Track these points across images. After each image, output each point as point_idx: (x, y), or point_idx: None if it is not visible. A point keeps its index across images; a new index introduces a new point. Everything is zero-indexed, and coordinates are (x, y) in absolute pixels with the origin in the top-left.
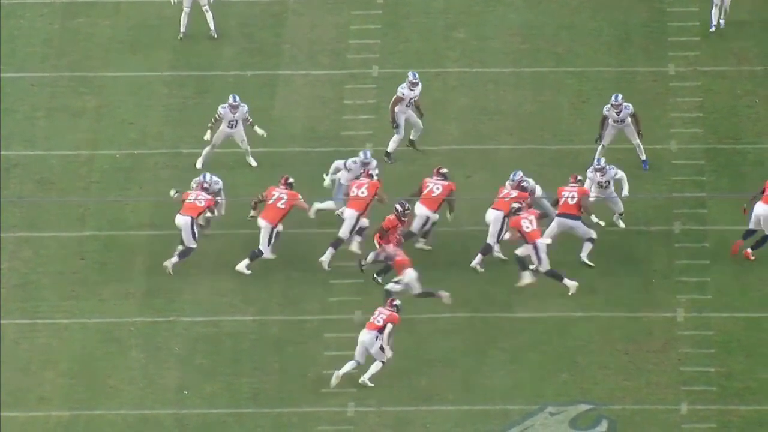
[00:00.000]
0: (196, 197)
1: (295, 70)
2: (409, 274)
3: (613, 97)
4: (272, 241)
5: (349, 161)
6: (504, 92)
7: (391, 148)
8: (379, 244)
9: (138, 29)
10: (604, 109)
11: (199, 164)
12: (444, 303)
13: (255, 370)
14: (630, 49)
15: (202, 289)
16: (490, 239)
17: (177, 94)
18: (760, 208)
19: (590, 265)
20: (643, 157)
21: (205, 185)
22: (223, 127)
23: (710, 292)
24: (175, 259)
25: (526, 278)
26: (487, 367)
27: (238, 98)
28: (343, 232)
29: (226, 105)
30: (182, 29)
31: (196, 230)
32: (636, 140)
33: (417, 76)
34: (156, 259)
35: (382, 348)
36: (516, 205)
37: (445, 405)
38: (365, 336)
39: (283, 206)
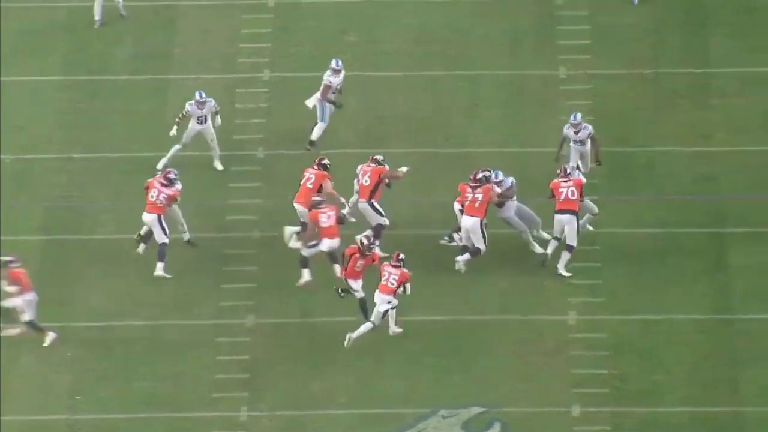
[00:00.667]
0: (158, 196)
1: (186, 74)
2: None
3: (571, 116)
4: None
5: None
6: (397, 96)
7: (315, 136)
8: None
9: (29, 34)
10: (564, 128)
11: (160, 165)
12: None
13: (148, 374)
14: (521, 52)
15: (95, 294)
16: (479, 245)
17: (68, 99)
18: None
19: (568, 275)
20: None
21: (201, 101)
22: (192, 124)
23: (602, 294)
24: (160, 265)
25: (305, 276)
26: (381, 371)
27: (204, 94)
28: (382, 219)
29: (193, 102)
30: (97, 17)
31: (165, 225)
32: (590, 165)
33: (340, 63)
34: (47, 264)
35: (394, 308)
36: (317, 199)
37: (338, 409)
38: (383, 299)
39: (311, 186)
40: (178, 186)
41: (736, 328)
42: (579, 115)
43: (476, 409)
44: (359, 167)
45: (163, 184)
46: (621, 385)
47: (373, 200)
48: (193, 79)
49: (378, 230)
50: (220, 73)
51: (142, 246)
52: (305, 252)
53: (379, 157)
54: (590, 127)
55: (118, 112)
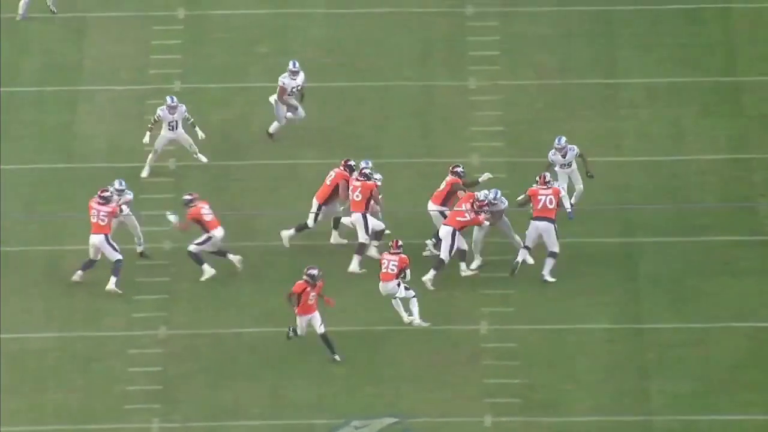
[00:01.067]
0: (98, 216)
1: (96, 85)
2: (217, 233)
3: (556, 140)
4: (318, 218)
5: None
6: (307, 106)
7: (272, 129)
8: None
9: None
10: (549, 154)
11: (144, 173)
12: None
13: (59, 386)
14: (431, 63)
15: (6, 306)
16: (443, 254)
17: None
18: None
19: (552, 281)
20: (569, 206)
21: (172, 105)
22: (164, 132)
23: (513, 304)
24: (113, 279)
25: (207, 272)
26: (293, 382)
27: (175, 99)
28: (362, 236)
29: (164, 107)
30: (21, 12)
31: (112, 243)
32: (580, 186)
33: (297, 64)
34: None
35: (406, 287)
36: (188, 197)
37: (250, 420)
38: (386, 287)
39: (329, 183)
40: (125, 196)
41: (645, 337)
42: (563, 139)
43: (388, 420)
44: (331, 173)
45: (99, 203)
46: (532, 394)
47: (367, 212)
48: (103, 90)
49: (378, 235)
50: (131, 84)
51: (78, 273)
52: (193, 248)
53: (367, 171)
54: (576, 148)
55: (26, 124)
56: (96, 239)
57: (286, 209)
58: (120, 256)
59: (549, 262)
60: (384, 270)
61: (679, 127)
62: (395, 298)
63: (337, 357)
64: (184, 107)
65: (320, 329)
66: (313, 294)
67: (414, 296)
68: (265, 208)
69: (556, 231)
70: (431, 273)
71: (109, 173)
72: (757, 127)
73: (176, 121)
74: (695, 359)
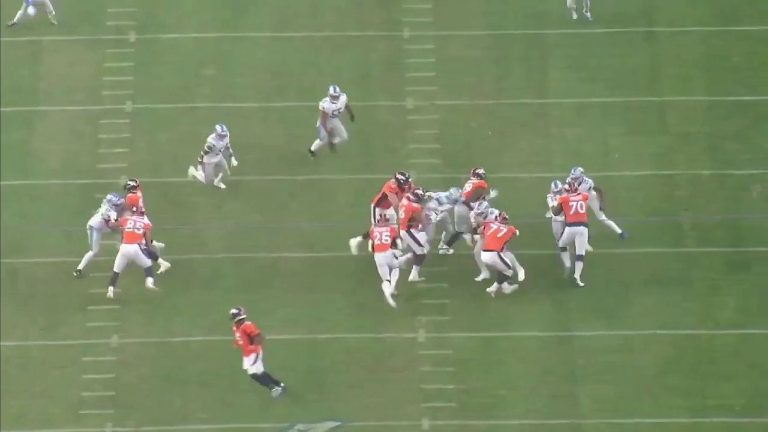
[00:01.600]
0: (134, 225)
1: (51, 105)
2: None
3: (572, 171)
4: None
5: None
6: (252, 126)
7: (314, 147)
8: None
9: None
10: (554, 186)
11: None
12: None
13: (18, 393)
14: (371, 84)
15: None
16: (508, 272)
17: None
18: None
19: (581, 285)
20: (619, 231)
21: (222, 134)
22: (212, 159)
23: (449, 313)
24: (150, 279)
25: (162, 265)
26: (239, 388)
27: (225, 127)
28: (418, 250)
29: (215, 135)
30: (15, 20)
31: (146, 249)
32: (601, 216)
33: (338, 89)
34: None
35: (402, 252)
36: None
37: (199, 424)
38: (381, 258)
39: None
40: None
41: (574, 344)
42: (579, 170)
43: (331, 423)
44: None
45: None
46: (467, 399)
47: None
48: (58, 111)
49: (418, 259)
50: (85, 105)
51: (111, 289)
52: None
53: (420, 193)
54: (591, 180)
55: None
56: (131, 249)
57: (232, 223)
58: (150, 262)
59: (579, 266)
60: (378, 242)
61: (606, 144)
62: (395, 268)
63: (276, 391)
64: (228, 136)
65: (249, 370)
66: (237, 334)
67: (416, 258)
68: (213, 222)
69: (588, 236)
70: (503, 285)
71: (64, 190)
72: (679, 144)
73: (226, 146)
74: (622, 365)
